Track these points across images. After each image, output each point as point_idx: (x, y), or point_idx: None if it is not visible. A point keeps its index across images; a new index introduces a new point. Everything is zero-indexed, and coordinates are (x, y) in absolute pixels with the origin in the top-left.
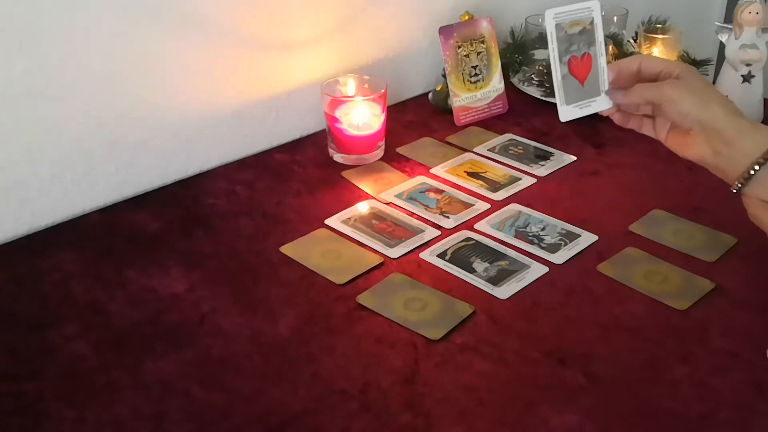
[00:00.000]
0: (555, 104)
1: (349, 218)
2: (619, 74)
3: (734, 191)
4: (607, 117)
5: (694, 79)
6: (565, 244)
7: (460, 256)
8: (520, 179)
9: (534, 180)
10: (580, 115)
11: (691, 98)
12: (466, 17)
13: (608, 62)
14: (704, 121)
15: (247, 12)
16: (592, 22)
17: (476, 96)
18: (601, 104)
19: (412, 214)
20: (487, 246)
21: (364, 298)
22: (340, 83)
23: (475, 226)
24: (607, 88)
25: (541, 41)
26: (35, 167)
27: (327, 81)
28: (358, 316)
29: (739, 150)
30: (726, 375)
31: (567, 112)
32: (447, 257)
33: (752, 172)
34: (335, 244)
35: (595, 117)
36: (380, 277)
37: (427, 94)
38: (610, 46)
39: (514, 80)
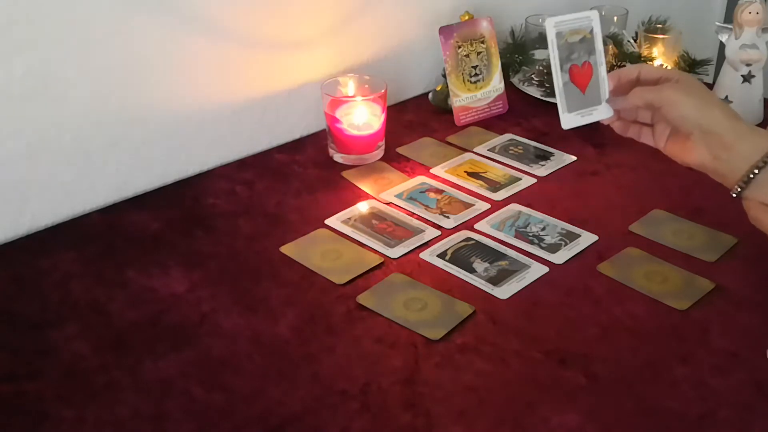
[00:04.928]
0: (555, 104)
1: (349, 218)
2: (619, 82)
3: (734, 195)
4: None
5: (693, 83)
6: (565, 244)
7: (460, 256)
8: (520, 179)
9: (534, 180)
10: (582, 124)
11: (691, 101)
12: (466, 17)
13: (608, 70)
14: (704, 124)
15: (247, 12)
16: (591, 32)
17: (476, 96)
18: (602, 113)
19: (412, 214)
20: (487, 246)
21: (364, 298)
22: (340, 83)
23: (475, 226)
24: (607, 96)
25: (541, 41)
26: (35, 167)
27: (327, 81)
28: (358, 316)
29: (739, 154)
30: (726, 375)
31: (569, 120)
32: (447, 257)
33: (752, 175)
34: (335, 244)
35: None
36: (380, 277)
37: (427, 94)
38: (610, 46)
39: (514, 80)
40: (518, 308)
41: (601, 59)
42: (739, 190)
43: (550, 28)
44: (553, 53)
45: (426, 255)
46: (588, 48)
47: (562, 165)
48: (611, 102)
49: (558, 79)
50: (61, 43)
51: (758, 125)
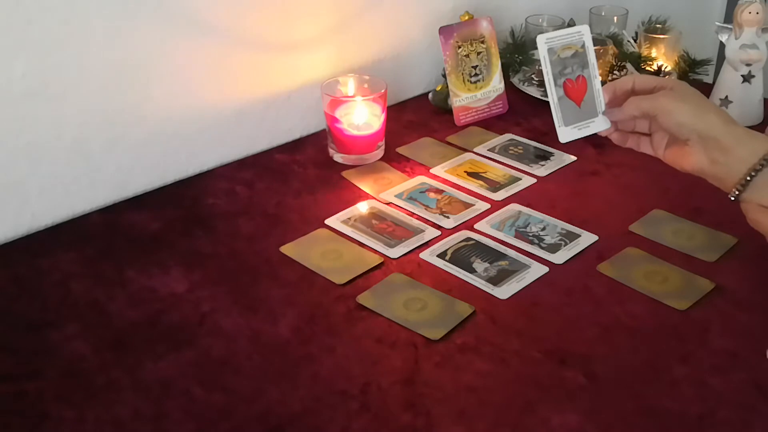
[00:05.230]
0: None
1: (349, 218)
2: (614, 94)
3: (732, 198)
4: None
5: (688, 90)
6: (565, 244)
7: (460, 256)
8: (520, 179)
9: (534, 180)
10: (579, 137)
11: (686, 108)
12: (466, 17)
13: (608, 70)
14: (701, 129)
15: (247, 12)
16: (583, 46)
17: (476, 96)
18: (599, 125)
19: (412, 214)
20: (487, 246)
21: (364, 298)
22: (340, 83)
23: (475, 226)
24: (603, 108)
25: None
26: (35, 167)
27: (327, 81)
28: (358, 316)
29: (736, 157)
30: (726, 375)
31: (566, 134)
32: (447, 257)
33: (749, 178)
34: (335, 244)
35: None
36: (380, 277)
37: (427, 94)
38: (610, 47)
39: (514, 80)
40: (518, 308)
41: (594, 72)
42: (737, 193)
43: (542, 44)
44: (546, 69)
45: (426, 255)
46: (581, 62)
47: (562, 165)
48: (608, 114)
49: (552, 94)
50: (61, 43)
51: (758, 125)
